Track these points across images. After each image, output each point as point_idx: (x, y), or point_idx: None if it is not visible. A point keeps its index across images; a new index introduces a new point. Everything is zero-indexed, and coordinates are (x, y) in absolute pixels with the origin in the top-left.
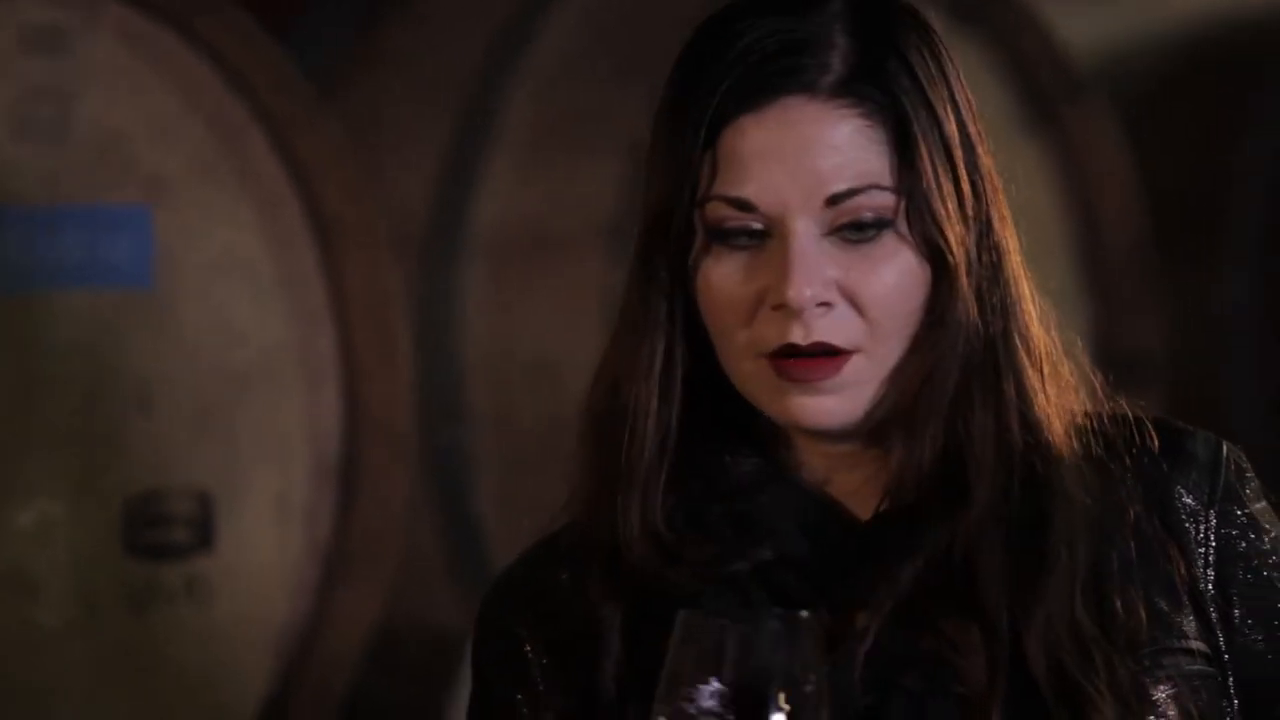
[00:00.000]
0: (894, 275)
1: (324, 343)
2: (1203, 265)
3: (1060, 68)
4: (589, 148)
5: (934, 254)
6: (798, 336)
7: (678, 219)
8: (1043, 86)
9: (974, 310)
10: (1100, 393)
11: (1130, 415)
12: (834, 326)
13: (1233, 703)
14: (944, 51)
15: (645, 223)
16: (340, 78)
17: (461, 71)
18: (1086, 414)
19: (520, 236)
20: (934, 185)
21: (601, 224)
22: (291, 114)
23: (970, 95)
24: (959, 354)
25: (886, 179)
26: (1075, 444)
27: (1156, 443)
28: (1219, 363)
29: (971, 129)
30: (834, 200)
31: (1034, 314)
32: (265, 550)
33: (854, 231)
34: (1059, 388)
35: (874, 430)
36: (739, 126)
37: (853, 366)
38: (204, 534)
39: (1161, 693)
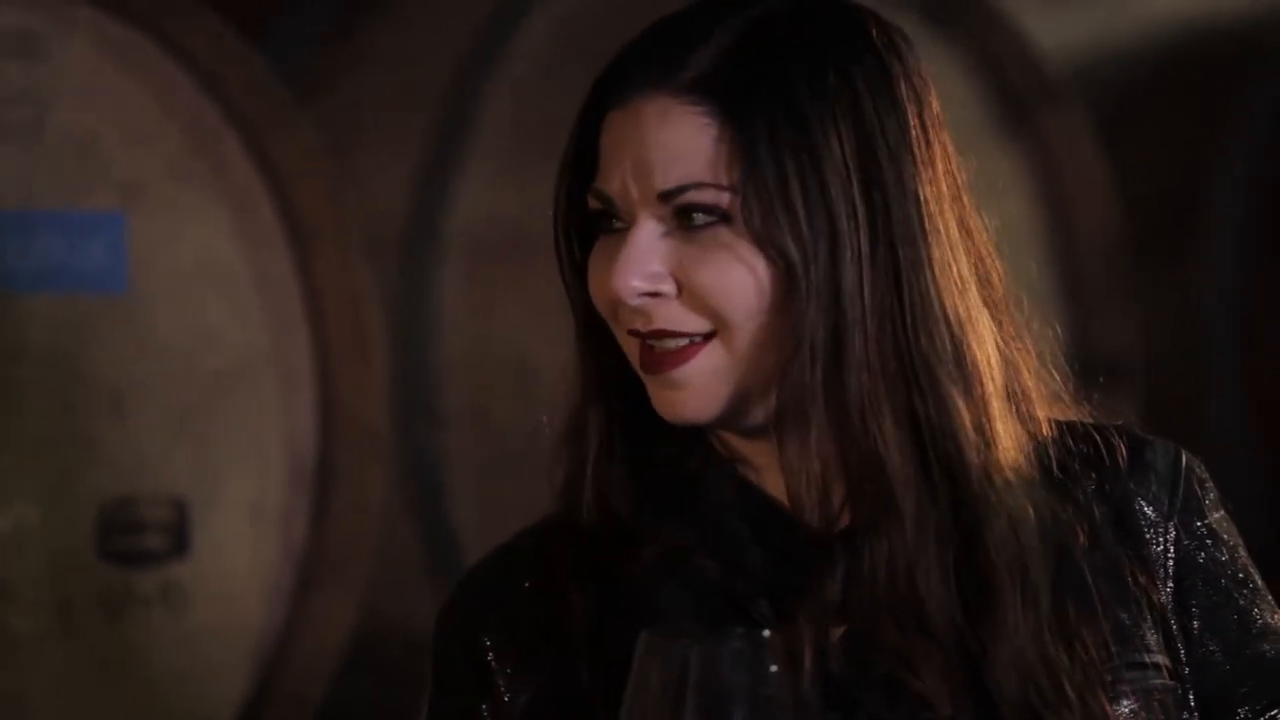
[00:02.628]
0: (727, 270)
1: (299, 346)
2: (1177, 267)
3: (1035, 71)
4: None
5: (771, 257)
6: (639, 324)
7: (574, 213)
8: (1017, 90)
9: (849, 319)
10: (1066, 402)
11: (1091, 425)
12: (674, 315)
13: (1193, 715)
14: (870, 69)
15: (553, 221)
16: (317, 81)
17: (438, 75)
18: (1050, 423)
19: (497, 238)
20: (777, 191)
21: None
22: (266, 117)
23: (910, 113)
24: (819, 359)
25: (718, 177)
26: (1027, 460)
27: (1124, 455)
28: (1195, 364)
29: (879, 144)
30: (665, 196)
31: (973, 331)
32: (240, 556)
33: (688, 223)
34: (1018, 400)
35: (770, 429)
36: (608, 121)
37: (704, 356)
38: (179, 540)
39: (1125, 708)
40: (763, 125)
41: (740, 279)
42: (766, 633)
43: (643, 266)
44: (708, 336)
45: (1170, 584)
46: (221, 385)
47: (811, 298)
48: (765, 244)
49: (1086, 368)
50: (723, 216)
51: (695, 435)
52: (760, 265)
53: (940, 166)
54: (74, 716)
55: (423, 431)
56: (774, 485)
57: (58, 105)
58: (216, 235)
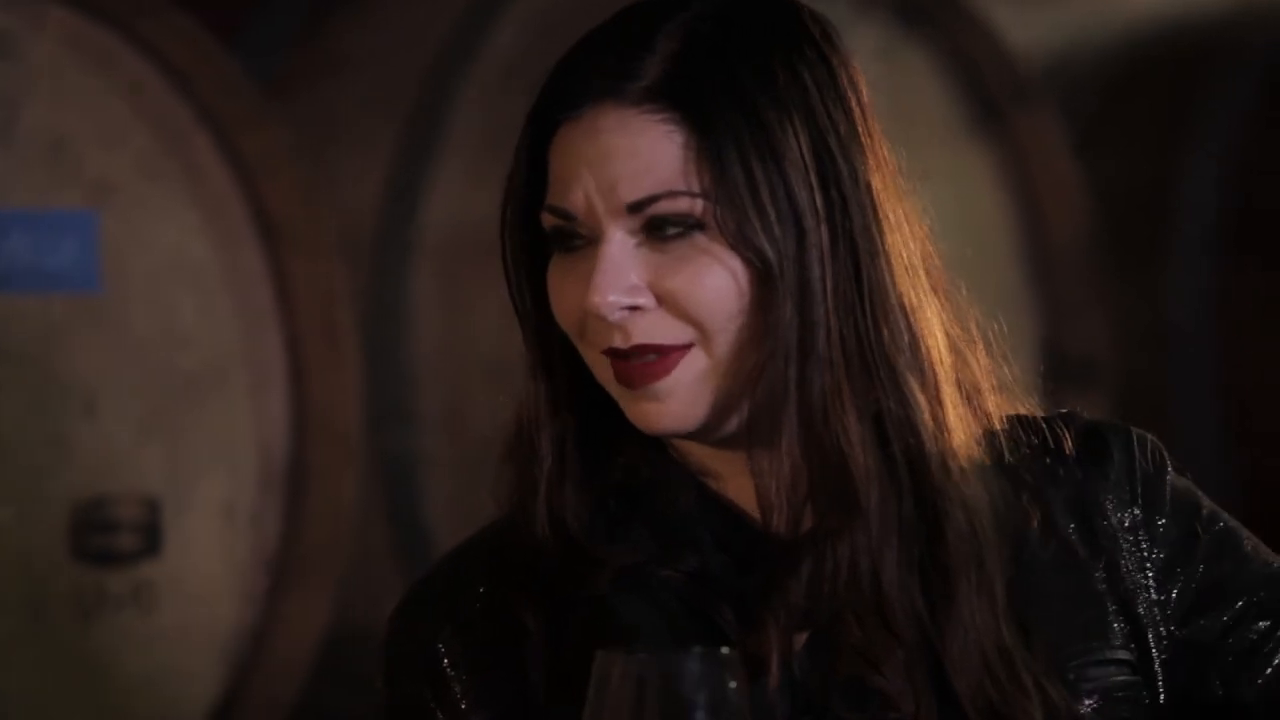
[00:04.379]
0: (705, 276)
1: (271, 346)
2: (1148, 266)
3: (1006, 70)
4: None
5: (748, 258)
6: (617, 340)
7: (527, 228)
8: (989, 89)
9: (817, 314)
10: (1015, 393)
11: (1039, 417)
12: (654, 327)
13: (1159, 705)
14: (810, 56)
15: (500, 233)
16: (288, 81)
17: (409, 75)
18: (1004, 417)
19: (470, 239)
20: (746, 191)
21: None
22: (238, 116)
23: (856, 103)
24: (795, 356)
25: (690, 184)
26: (981, 451)
27: (1070, 444)
28: (1166, 365)
29: (831, 137)
30: (634, 207)
31: (924, 318)
32: (213, 556)
33: (661, 234)
34: (968, 391)
35: (742, 435)
36: (561, 135)
37: (685, 365)
38: (151, 540)
39: (1086, 706)
40: (725, 128)
41: (719, 284)
42: (725, 649)
43: (620, 280)
44: (686, 346)
45: (1150, 570)
46: (194, 385)
47: (786, 297)
48: (741, 247)
49: (1058, 367)
50: (695, 223)
51: (651, 446)
52: (738, 268)
53: (881, 154)
54: (46, 716)
55: (395, 432)
56: (735, 492)
57: (29, 105)
58: (188, 235)
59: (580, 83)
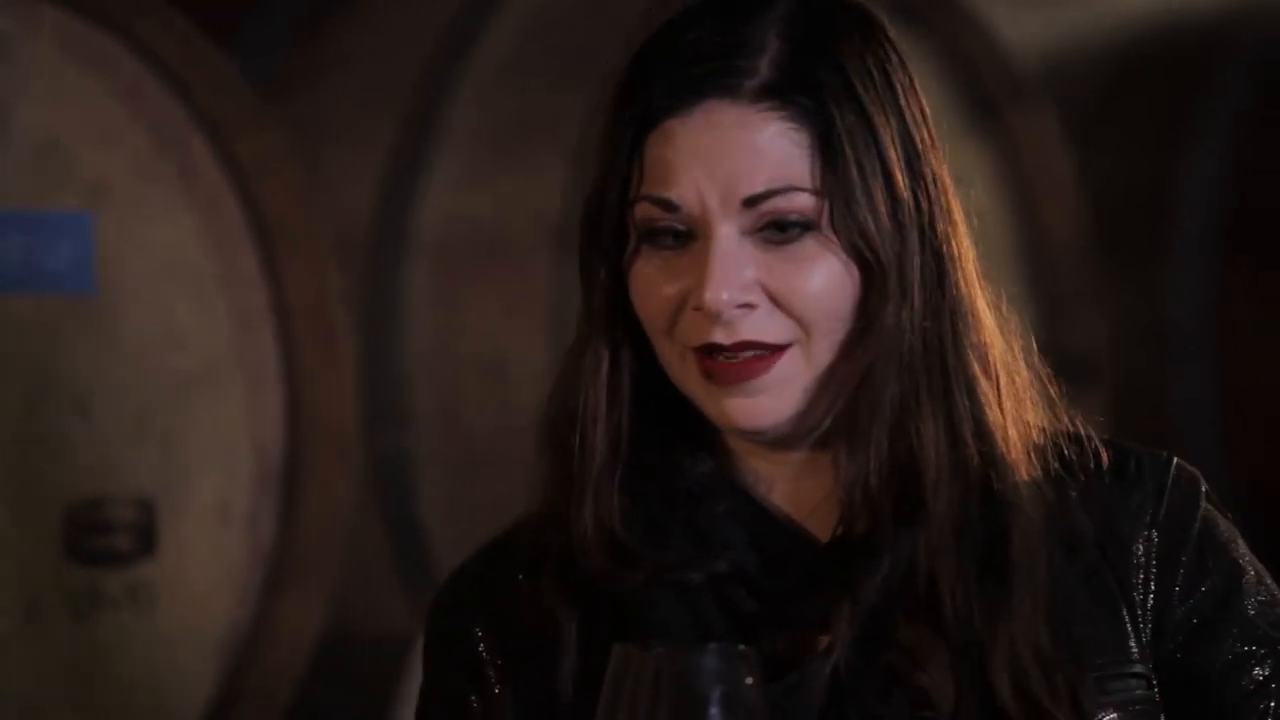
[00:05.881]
0: (818, 276)
1: (266, 346)
2: (1145, 264)
3: (1003, 69)
4: (533, 151)
5: (861, 258)
6: (720, 336)
7: (609, 220)
8: (985, 87)
9: (912, 316)
10: (1062, 408)
11: (1083, 434)
12: (761, 325)
13: None
14: (894, 59)
15: (583, 224)
16: (284, 82)
17: (405, 75)
18: (1042, 429)
19: (465, 239)
20: (860, 190)
21: (547, 227)
22: (232, 117)
23: (925, 104)
24: (894, 359)
25: (807, 181)
26: (1032, 459)
27: (1107, 463)
28: (1162, 361)
29: (918, 136)
30: (751, 202)
31: (991, 324)
32: (208, 556)
33: (776, 233)
34: (1016, 400)
35: (818, 438)
36: (666, 129)
37: (785, 363)
38: (146, 540)
39: (1107, 718)
40: (841, 127)
41: (832, 284)
42: (741, 646)
43: (737, 276)
44: (788, 344)
45: (1153, 593)
46: (189, 385)
47: (889, 299)
48: (854, 248)
49: (1056, 366)
50: (810, 222)
51: (695, 447)
52: (850, 269)
53: (943, 154)
54: (42, 717)
55: (390, 431)
56: (781, 495)
57: (24, 106)
58: (183, 236)
59: (687, 79)
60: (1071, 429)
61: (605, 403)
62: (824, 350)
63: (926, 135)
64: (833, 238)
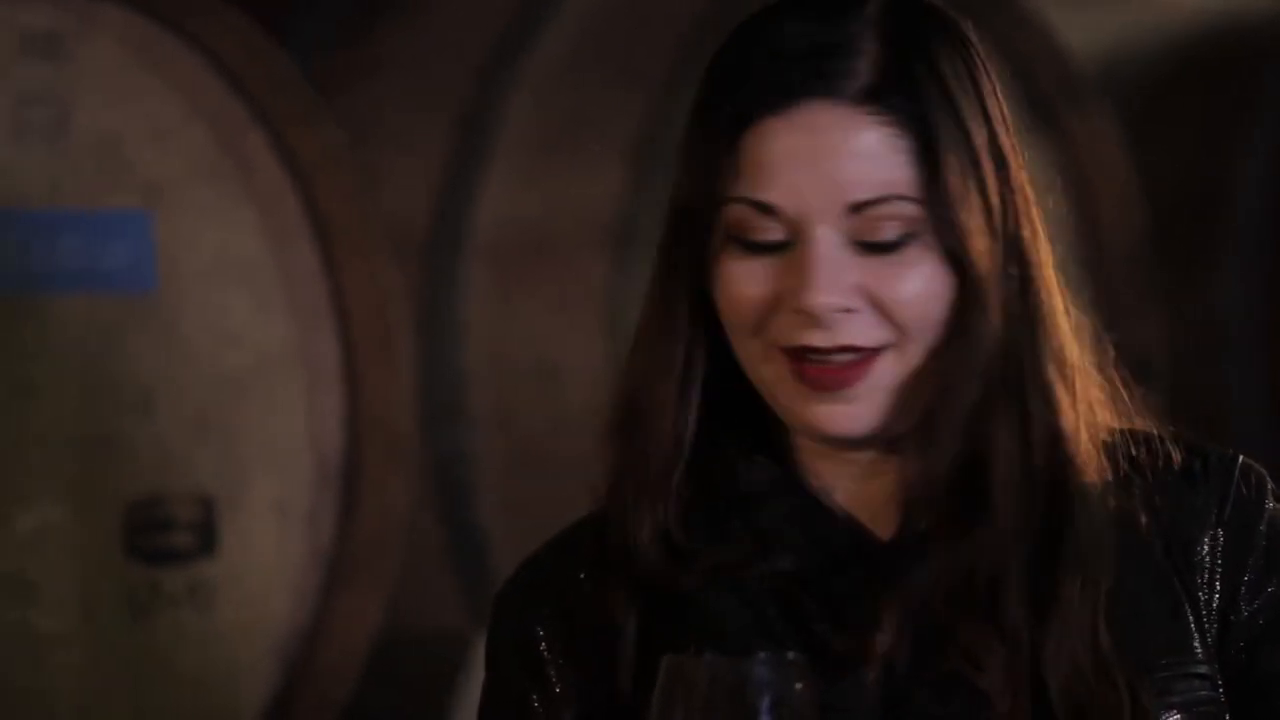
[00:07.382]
0: (919, 283)
1: (325, 345)
2: (1202, 267)
3: (1060, 70)
4: (588, 151)
5: (958, 265)
6: (819, 339)
7: (700, 218)
8: (1042, 89)
9: (999, 322)
10: (1130, 408)
11: (1152, 433)
12: (859, 329)
13: None
14: (980, 63)
15: (669, 221)
16: (341, 81)
17: (461, 75)
18: (1111, 430)
19: (520, 240)
20: (959, 197)
21: (602, 228)
22: (291, 116)
23: (1006, 108)
24: (976, 365)
25: (910, 189)
26: (1101, 460)
27: (1177, 464)
28: (1219, 365)
29: (1004, 141)
30: (856, 208)
31: (1066, 328)
32: (267, 555)
33: (878, 238)
34: (1088, 402)
35: (891, 440)
36: (763, 129)
37: (880, 367)
38: (206, 539)
39: (1171, 719)
40: (942, 134)
41: (932, 291)
42: (791, 654)
43: (841, 280)
44: (881, 348)
45: (1218, 593)
46: (247, 383)
47: (982, 306)
48: (953, 255)
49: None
50: (912, 230)
51: (756, 446)
52: (948, 276)
53: (1022, 157)
54: (100, 716)
55: (447, 431)
56: (844, 495)
57: (82, 105)
58: (242, 233)
59: (787, 79)
60: (1142, 429)
61: (675, 399)
62: (915, 355)
63: (1011, 140)
64: (933, 244)
